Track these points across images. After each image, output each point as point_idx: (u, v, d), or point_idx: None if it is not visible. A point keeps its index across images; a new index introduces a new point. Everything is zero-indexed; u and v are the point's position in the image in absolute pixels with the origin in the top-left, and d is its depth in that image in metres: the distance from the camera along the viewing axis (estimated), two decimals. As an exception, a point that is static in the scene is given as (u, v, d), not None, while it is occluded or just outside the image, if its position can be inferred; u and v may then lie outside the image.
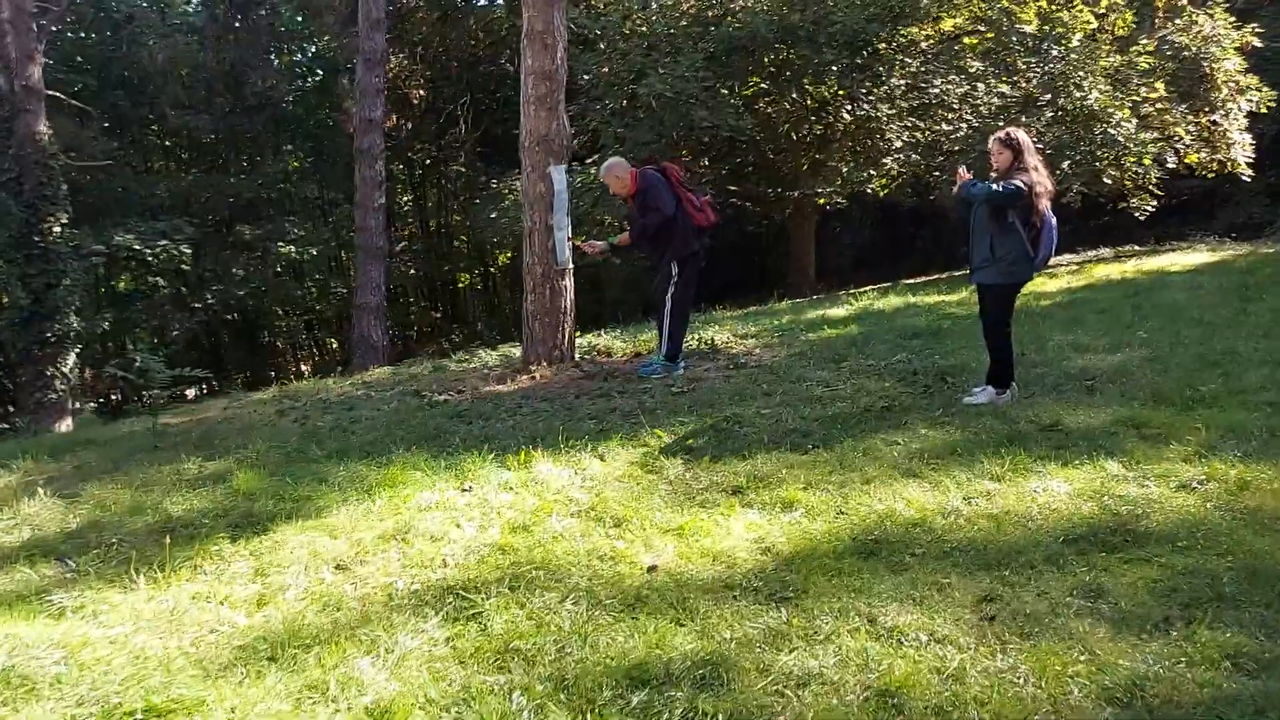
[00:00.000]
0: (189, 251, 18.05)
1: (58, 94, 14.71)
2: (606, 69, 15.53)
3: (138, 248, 17.59)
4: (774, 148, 19.03)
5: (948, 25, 16.17)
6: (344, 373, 12.86)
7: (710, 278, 24.06)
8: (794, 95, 17.91)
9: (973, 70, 15.95)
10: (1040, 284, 12.55)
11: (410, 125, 19.35)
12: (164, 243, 17.76)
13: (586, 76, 15.98)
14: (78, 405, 14.66)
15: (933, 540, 4.27)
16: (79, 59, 19.48)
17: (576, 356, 8.70)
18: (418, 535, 4.36)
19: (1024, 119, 14.75)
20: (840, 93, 16.74)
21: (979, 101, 15.78)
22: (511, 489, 5.01)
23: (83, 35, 19.42)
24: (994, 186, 6.15)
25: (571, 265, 8.36)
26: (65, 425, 14.23)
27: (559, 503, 4.77)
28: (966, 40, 16.40)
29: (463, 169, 20.80)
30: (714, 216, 8.11)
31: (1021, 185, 6.14)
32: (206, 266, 20.27)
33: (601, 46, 16.16)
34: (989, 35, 15.91)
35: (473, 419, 6.75)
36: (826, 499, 4.77)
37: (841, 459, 5.41)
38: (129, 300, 19.75)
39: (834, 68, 15.38)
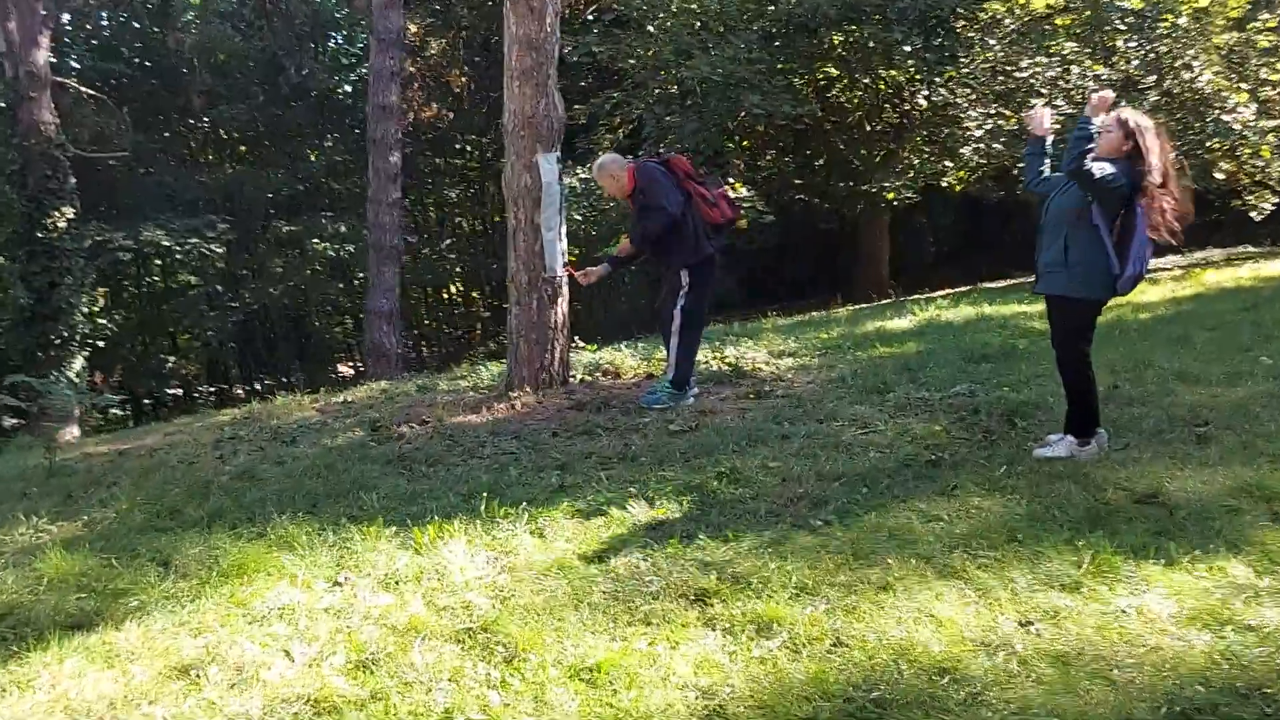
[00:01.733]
0: (220, 250, 17.19)
1: (67, 81, 13.90)
2: (651, 51, 14.14)
3: (166, 244, 16.79)
4: (846, 139, 17.49)
5: (1038, 5, 14.40)
6: (358, 381, 11.77)
7: (774, 280, 22.77)
8: (866, 80, 16.35)
9: (1066, 51, 14.17)
10: (1138, 290, 10.83)
11: (453, 115, 18.22)
12: (194, 240, 16.92)
13: (632, 61, 14.63)
14: (83, 411, 13.83)
15: (966, 703, 2.85)
16: (116, 44, 18.82)
17: (573, 379, 7.38)
18: (224, 668, 3.08)
19: (1123, 104, 12.96)
20: (916, 77, 15.13)
21: (1071, 86, 14.01)
22: (397, 585, 3.70)
23: (120, 20, 18.70)
24: (1088, 163, 4.64)
25: (564, 273, 7.03)
26: (72, 433, 13.41)
27: (445, 614, 3.44)
28: (1059, 20, 14.61)
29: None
30: (731, 211, 6.71)
31: (1120, 179, 4.65)
32: (243, 264, 19.47)
33: (650, 29, 14.78)
34: (1086, 15, 14.09)
35: (415, 465, 5.46)
36: (821, 619, 3.36)
37: (857, 544, 3.98)
38: (164, 298, 19.03)
39: (905, 48, 13.77)
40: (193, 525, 4.42)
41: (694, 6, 14.21)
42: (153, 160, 18.91)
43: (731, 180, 13.96)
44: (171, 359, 19.19)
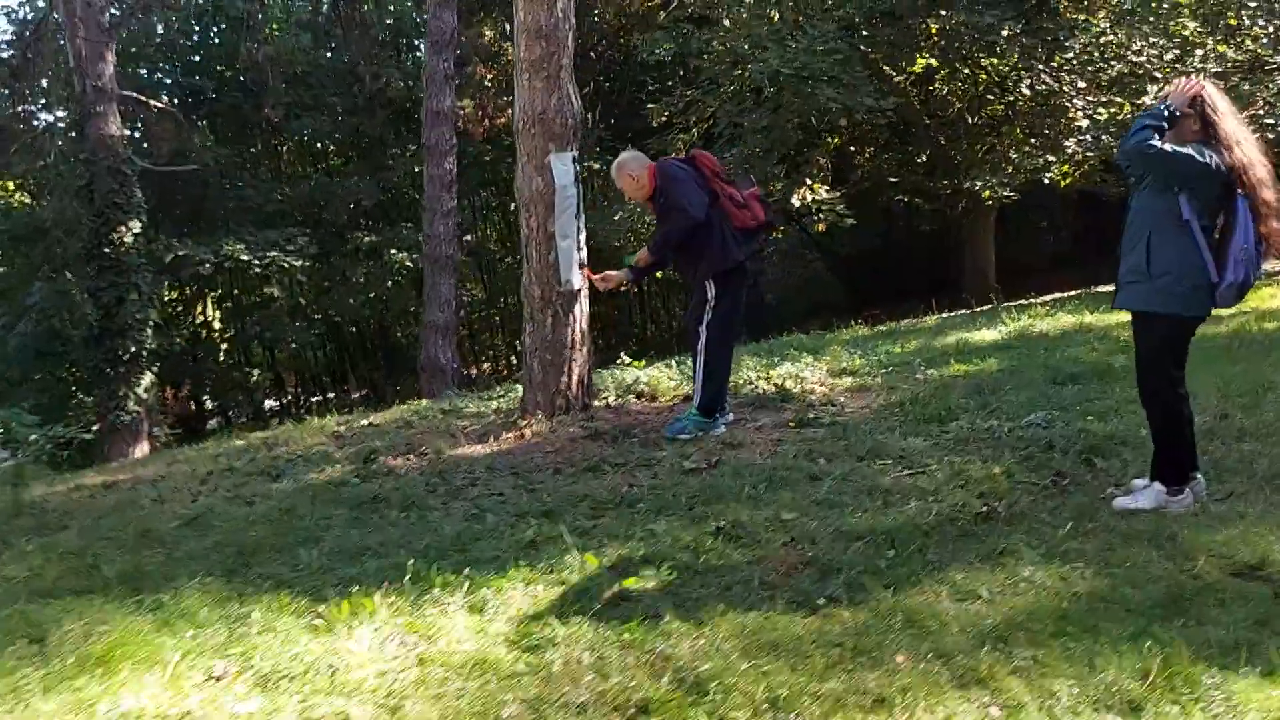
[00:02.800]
0: (299, 264, 17.02)
1: (139, 95, 13.82)
2: (725, 47, 13.31)
3: (245, 258, 16.69)
4: (948, 133, 16.30)
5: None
6: (399, 398, 11.28)
7: (877, 285, 21.62)
8: (965, 70, 15.18)
9: (1187, 32, 12.80)
10: (1266, 294, 9.53)
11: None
12: (274, 253, 16.77)
13: (705, 57, 13.84)
14: (154, 428, 13.73)
15: None
16: (196, 58, 18.89)
17: (602, 401, 6.64)
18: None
19: (1247, 86, 11.60)
20: (1019, 65, 13.91)
21: (1190, 69, 12.64)
22: (276, 682, 3.02)
23: (202, 33, 18.75)
24: (1153, 139, 3.72)
25: (582, 286, 6.30)
26: (141, 449, 13.32)
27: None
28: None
29: (594, 165, 18.99)
30: (764, 214, 5.89)
31: (1199, 157, 3.72)
32: (325, 275, 19.35)
33: (726, 23, 13.96)
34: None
35: (384, 510, 4.80)
36: (784, 753, 2.55)
37: (861, 633, 3.15)
38: (248, 310, 19.02)
39: (1003, 33, 12.60)
40: (95, 589, 3.83)
41: (769, -3, 13.35)
42: (236, 173, 18.93)
43: (809, 181, 13.06)
44: (255, 372, 19.15)
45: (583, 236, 6.33)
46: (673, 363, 8.61)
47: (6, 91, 15.30)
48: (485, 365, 22.10)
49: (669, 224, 5.68)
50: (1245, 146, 3.81)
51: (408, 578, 3.65)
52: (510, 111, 18.39)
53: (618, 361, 9.02)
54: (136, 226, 13.10)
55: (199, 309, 20.76)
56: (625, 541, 4.10)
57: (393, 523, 4.59)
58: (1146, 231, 3.94)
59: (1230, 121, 3.84)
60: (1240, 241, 3.76)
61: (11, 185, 18.83)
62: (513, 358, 21.62)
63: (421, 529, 4.45)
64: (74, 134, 12.96)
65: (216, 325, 20.79)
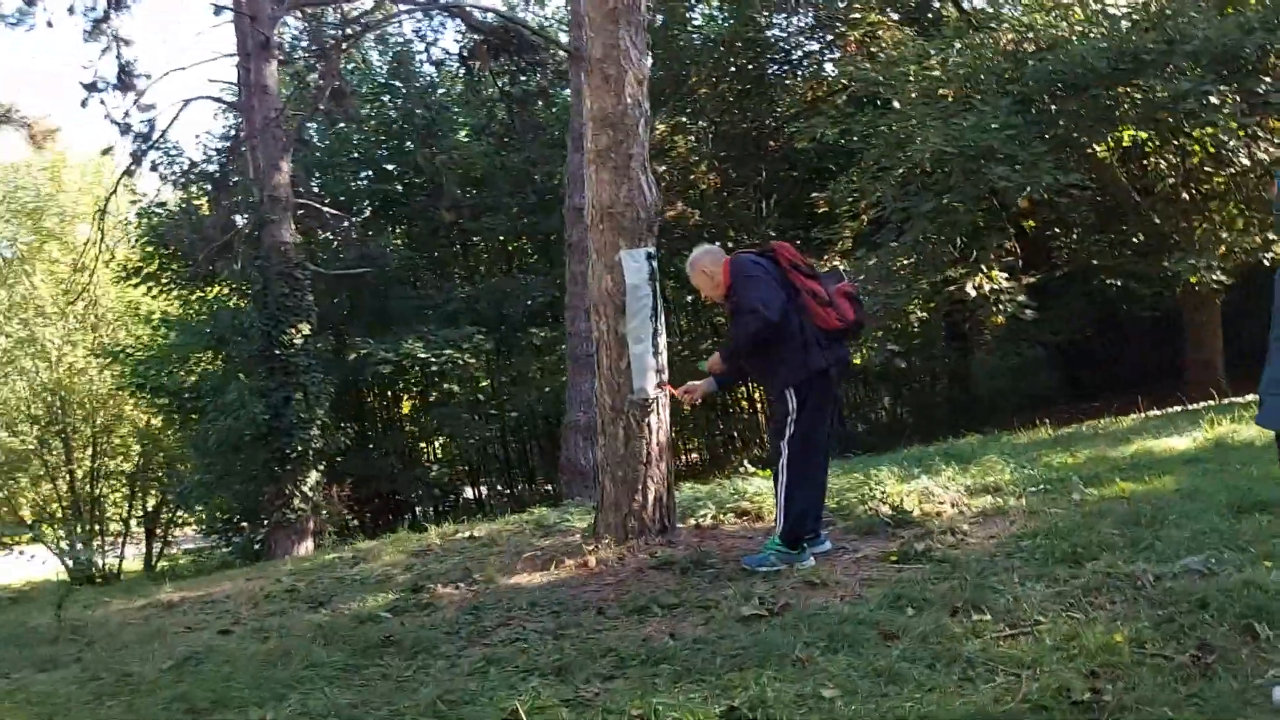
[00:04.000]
0: (473, 361, 17.17)
1: (313, 203, 14.39)
2: (892, 128, 12.50)
3: (423, 356, 16.99)
4: (1161, 211, 14.71)
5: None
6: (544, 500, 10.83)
7: (1084, 375, 19.80)
8: (1176, 141, 13.70)
9: None
10: None
11: (698, 215, 17.36)
12: (449, 350, 17.00)
13: (871, 140, 13.07)
14: (319, 526, 13.90)
15: None
16: (390, 167, 19.73)
17: (674, 524, 5.89)
18: None
19: None
20: (1236, 129, 12.35)
21: None
22: None
23: (400, 144, 19.61)
24: None
25: (659, 393, 5.66)
26: (305, 547, 13.49)
27: None
28: None
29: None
30: (855, 312, 5.11)
31: None
32: (503, 371, 19.50)
33: (895, 105, 13.17)
34: None
35: (387, 657, 4.25)
36: None
37: None
38: (428, 408, 19.35)
39: (1212, 99, 11.19)
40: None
41: (939, 74, 12.46)
42: (421, 274, 19.50)
43: (983, 268, 11.93)
44: (435, 467, 19.40)
45: (662, 340, 5.71)
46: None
47: (209, 200, 16.36)
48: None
49: (741, 325, 5.00)
50: None
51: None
52: (678, 204, 18.30)
53: (741, 470, 8.26)
54: (306, 329, 13.49)
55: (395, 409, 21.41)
56: (619, 718, 3.37)
57: (386, 674, 4.03)
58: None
59: None
60: None
61: (225, 290, 19.91)
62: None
63: (410, 685, 3.87)
64: (254, 240, 13.54)
65: (408, 426, 21.26)
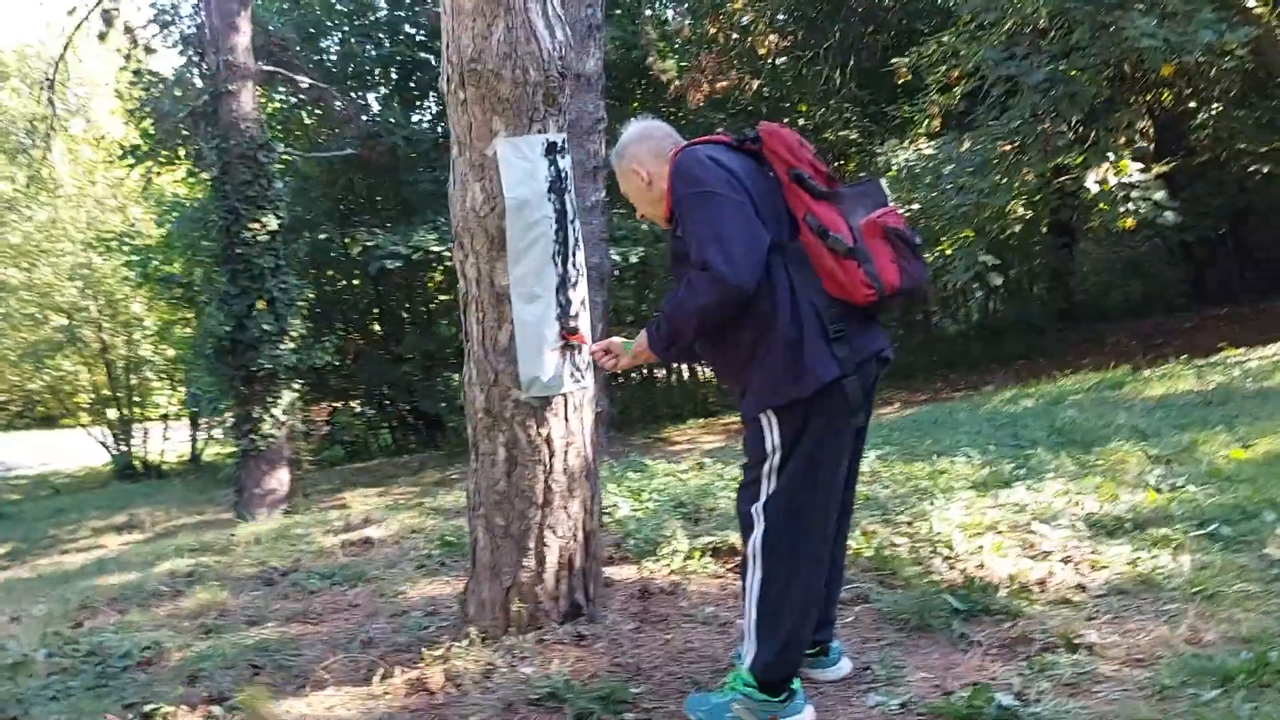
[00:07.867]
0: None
1: (278, 70, 11.93)
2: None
3: (436, 249, 14.80)
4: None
5: None
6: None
7: (1213, 275, 16.72)
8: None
9: None
10: None
11: (756, 84, 14.53)
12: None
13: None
14: (296, 454, 11.97)
15: None
16: (412, 31, 17.21)
17: (592, 598, 3.55)
18: None
19: None
20: None
21: None
22: None
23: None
24: None
25: (577, 385, 3.31)
26: (278, 479, 11.60)
27: None
28: None
29: (843, 134, 15.56)
30: (901, 272, 2.59)
31: None
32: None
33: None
34: None
35: None
36: None
37: None
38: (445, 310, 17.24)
39: None
40: None
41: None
42: (444, 155, 17.10)
43: (1110, 157, 9.10)
44: (456, 377, 17.35)
45: (577, 294, 3.32)
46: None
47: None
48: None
49: (684, 292, 2.60)
50: None
51: None
52: (724, 77, 15.47)
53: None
54: (273, 223, 11.20)
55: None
56: None
57: None
58: None
59: None
60: None
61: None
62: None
63: None
64: (211, 115, 11.23)
65: (438, 329, 19.25)
